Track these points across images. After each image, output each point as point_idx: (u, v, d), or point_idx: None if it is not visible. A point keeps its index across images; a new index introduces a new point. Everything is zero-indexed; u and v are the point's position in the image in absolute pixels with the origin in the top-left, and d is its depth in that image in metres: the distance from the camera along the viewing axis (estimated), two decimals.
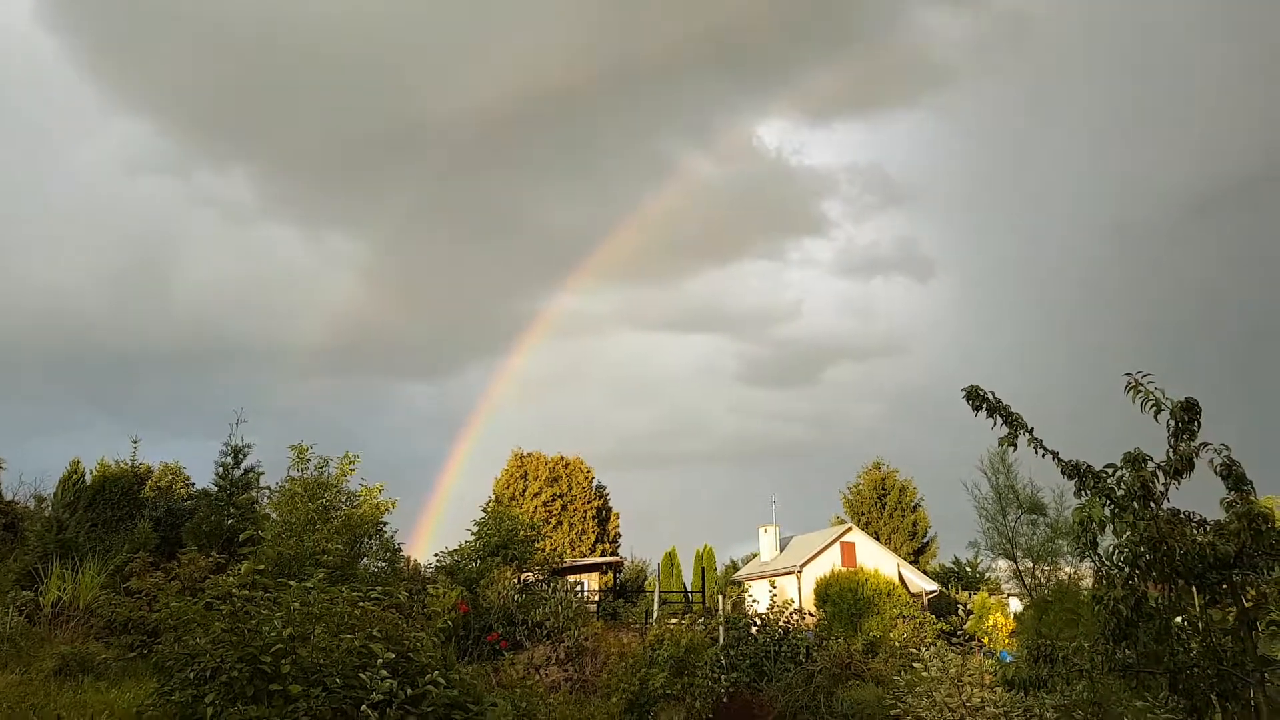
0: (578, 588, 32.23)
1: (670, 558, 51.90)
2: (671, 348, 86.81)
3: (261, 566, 12.11)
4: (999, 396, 6.80)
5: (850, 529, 47.18)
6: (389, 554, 20.45)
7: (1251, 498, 6.00)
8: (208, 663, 8.75)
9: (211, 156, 71.65)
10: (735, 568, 56.74)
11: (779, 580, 44.13)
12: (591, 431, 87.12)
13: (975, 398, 6.86)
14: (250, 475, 21.99)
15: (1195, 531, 6.12)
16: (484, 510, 25.04)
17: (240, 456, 22.01)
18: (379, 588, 11.18)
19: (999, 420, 6.81)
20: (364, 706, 8.59)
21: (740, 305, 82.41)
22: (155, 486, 31.83)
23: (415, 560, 23.44)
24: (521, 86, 59.79)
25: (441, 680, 9.34)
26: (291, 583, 10.38)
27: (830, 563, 41.95)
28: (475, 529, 23.50)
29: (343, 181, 72.74)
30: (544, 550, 29.79)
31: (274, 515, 18.92)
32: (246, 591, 9.77)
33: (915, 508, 55.64)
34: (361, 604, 10.16)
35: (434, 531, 40.85)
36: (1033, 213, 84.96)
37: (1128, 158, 78.70)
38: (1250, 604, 6.17)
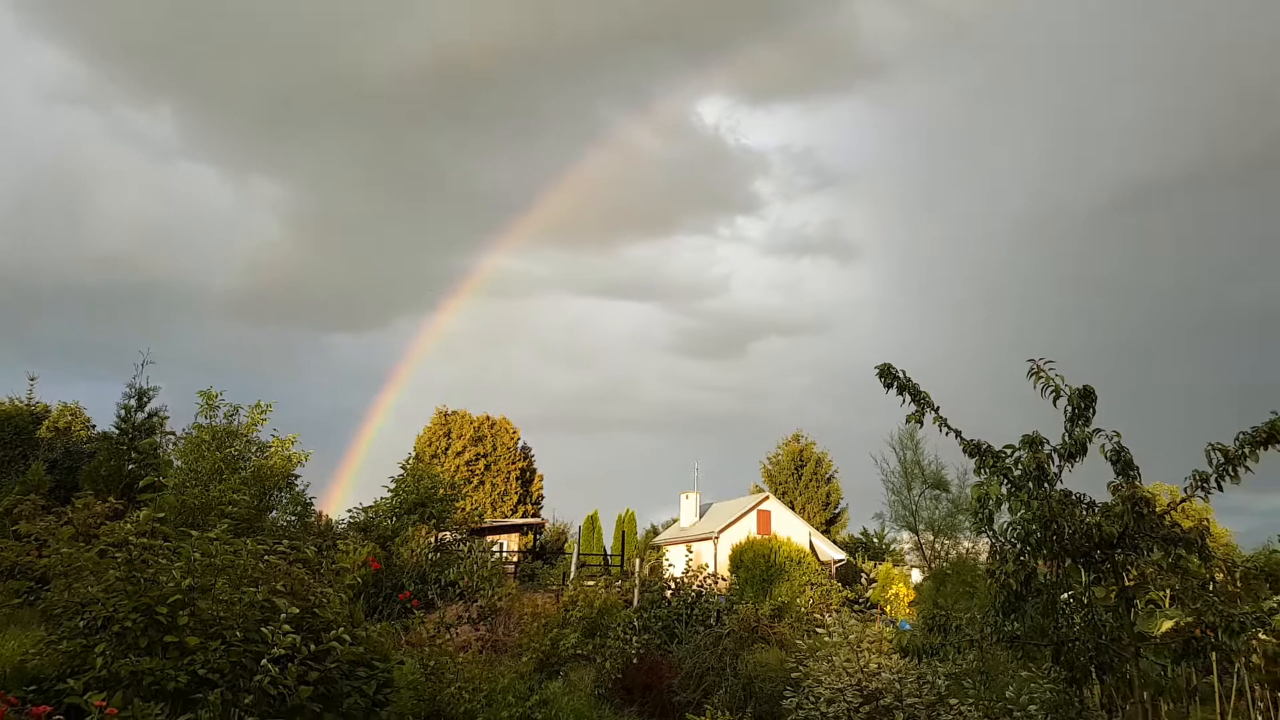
0: (496, 548, 32.19)
1: (592, 521, 52.21)
2: (604, 314, 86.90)
3: (162, 515, 11.73)
4: (909, 376, 6.96)
5: (767, 498, 48.14)
6: (300, 508, 20.04)
7: (1137, 483, 6.29)
8: (100, 612, 8.44)
9: (136, 90, 68.20)
10: (655, 533, 57.44)
11: (697, 546, 44.84)
12: (519, 393, 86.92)
13: (887, 375, 7.01)
14: (155, 420, 21.22)
15: (1084, 512, 6.40)
16: (403, 467, 24.71)
17: (145, 400, 21.20)
18: (286, 541, 10.93)
19: (908, 398, 6.99)
20: (264, 661, 8.42)
21: (673, 277, 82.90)
22: (52, 427, 30.43)
23: (327, 515, 23.02)
24: (466, 44, 58.39)
25: (347, 637, 9.20)
26: (193, 532, 10.08)
27: (746, 530, 42.78)
28: (393, 486, 23.19)
29: (274, 126, 70.09)
30: (463, 509, 29.60)
31: (179, 463, 18.32)
32: (145, 540, 9.43)
33: (830, 479, 57.09)
34: (267, 557, 9.92)
35: (352, 487, 40.22)
36: (956, 203, 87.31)
37: (1049, 156, 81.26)
38: (1131, 583, 6.49)
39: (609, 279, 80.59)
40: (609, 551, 49.84)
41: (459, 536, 24.31)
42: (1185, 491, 6.34)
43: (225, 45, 61.81)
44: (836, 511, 57.07)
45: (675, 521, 53.98)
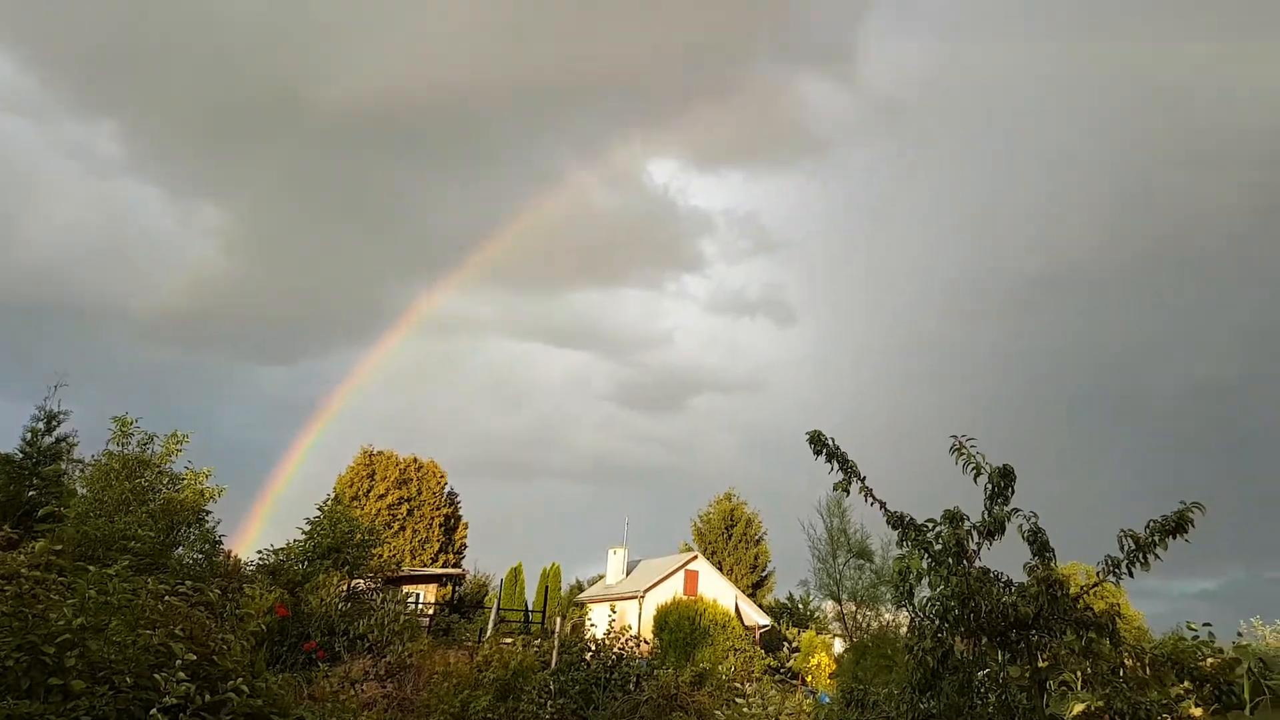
0: (412, 599, 31.27)
1: (515, 574, 51.16)
2: (544, 359, 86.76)
3: (60, 547, 11.12)
4: (838, 444, 7.02)
5: (695, 557, 47.87)
6: (208, 546, 19.20)
7: (1052, 564, 6.39)
8: None
9: (79, 105, 66.66)
10: (580, 588, 56.53)
11: (621, 604, 43.96)
12: (451, 434, 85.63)
13: (817, 443, 7.05)
14: (63, 445, 20.27)
15: (1001, 591, 6.46)
16: (320, 509, 23.94)
17: (54, 423, 20.27)
18: (190, 582, 10.44)
19: (836, 465, 7.03)
20: (154, 710, 7.95)
21: (616, 327, 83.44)
22: None
23: (237, 556, 22.09)
24: (423, 80, 58.59)
25: (245, 688, 8.76)
26: (91, 567, 9.57)
27: (673, 590, 42.36)
28: (307, 528, 22.41)
29: (218, 148, 69.08)
30: (381, 556, 28.71)
31: (84, 491, 17.47)
32: (38, 573, 8.93)
33: (759, 541, 57.04)
34: (168, 598, 9.46)
35: (266, 526, 38.78)
36: (887, 274, 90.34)
37: (976, 240, 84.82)
38: (1044, 664, 6.55)
39: (552, 324, 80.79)
40: (530, 607, 48.81)
41: (374, 585, 23.55)
42: (1099, 575, 6.46)
43: (171, 60, 60.98)
44: (764, 574, 56.95)
45: (601, 578, 53.28)
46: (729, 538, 56.46)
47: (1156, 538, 6.33)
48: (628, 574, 49.93)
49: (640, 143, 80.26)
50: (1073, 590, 6.62)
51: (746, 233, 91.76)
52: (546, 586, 50.38)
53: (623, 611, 42.68)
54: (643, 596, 43.33)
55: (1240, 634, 18.67)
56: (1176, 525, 6.35)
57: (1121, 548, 6.36)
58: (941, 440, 7.13)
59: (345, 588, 21.44)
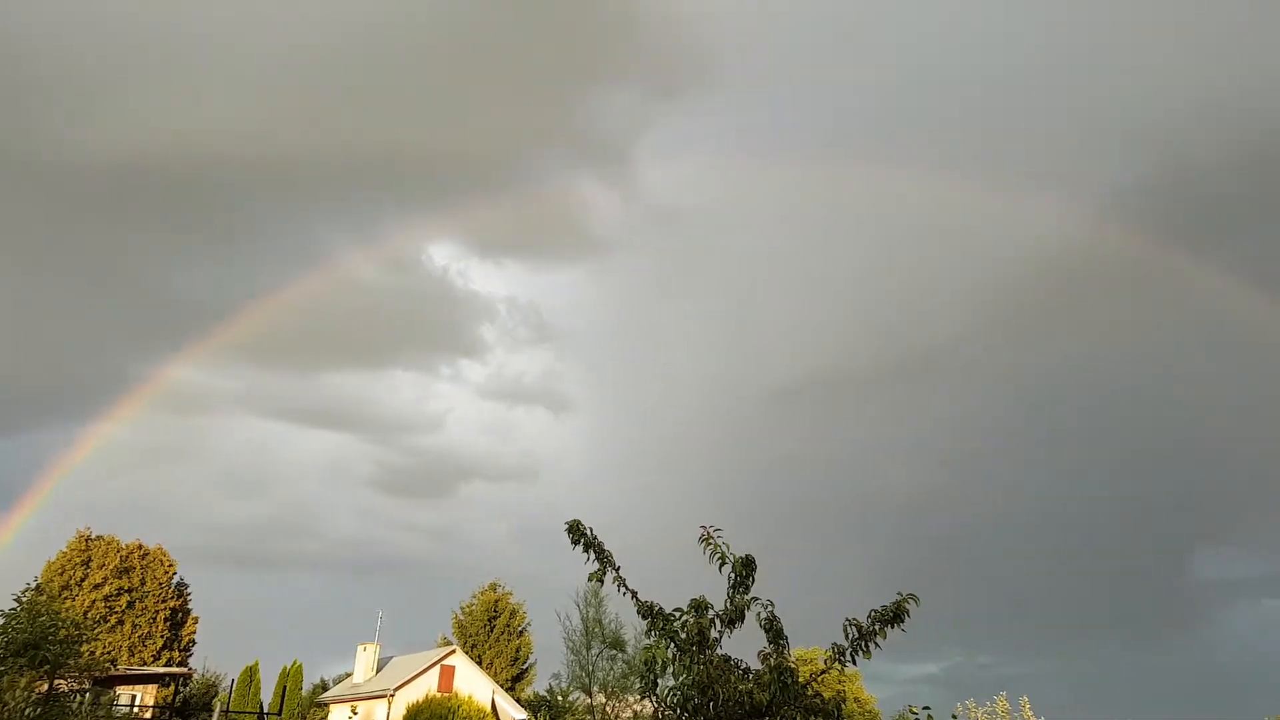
0: (126, 701, 27.63)
1: (251, 672, 46.60)
2: (297, 440, 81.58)
3: None
4: (595, 533, 7.10)
5: (453, 651, 45.94)
6: None
7: (786, 652, 6.74)
8: None
9: None
10: (325, 687, 52.38)
11: (368, 704, 41.36)
12: (182, 519, 77.97)
13: (575, 532, 7.10)
14: None
15: (739, 679, 6.71)
16: (18, 599, 20.78)
17: None
18: None
19: (592, 555, 7.09)
20: None
21: (384, 409, 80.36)
22: None
23: None
24: (180, 147, 55.02)
25: None
26: None
27: (427, 686, 40.30)
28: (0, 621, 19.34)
29: None
30: (92, 653, 25.24)
31: None
32: None
33: (522, 632, 55.75)
34: None
35: None
36: (656, 376, 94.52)
37: (731, 348, 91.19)
38: None
39: (307, 404, 76.52)
40: (266, 709, 44.58)
41: (79, 687, 20.60)
42: (825, 663, 6.88)
43: None
44: (525, 666, 55.53)
45: (349, 676, 49.73)
46: (491, 630, 54.79)
47: (877, 626, 6.88)
48: (378, 671, 46.97)
49: (420, 225, 79.62)
50: (805, 677, 7.00)
51: (527, 321, 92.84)
52: (285, 686, 46.24)
53: (369, 711, 40.13)
54: (392, 695, 40.85)
55: (955, 715, 20.39)
56: (895, 615, 6.94)
57: (846, 635, 6.84)
58: (696, 533, 7.39)
59: (43, 689, 18.57)
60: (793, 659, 6.67)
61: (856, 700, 52.64)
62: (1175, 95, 74.72)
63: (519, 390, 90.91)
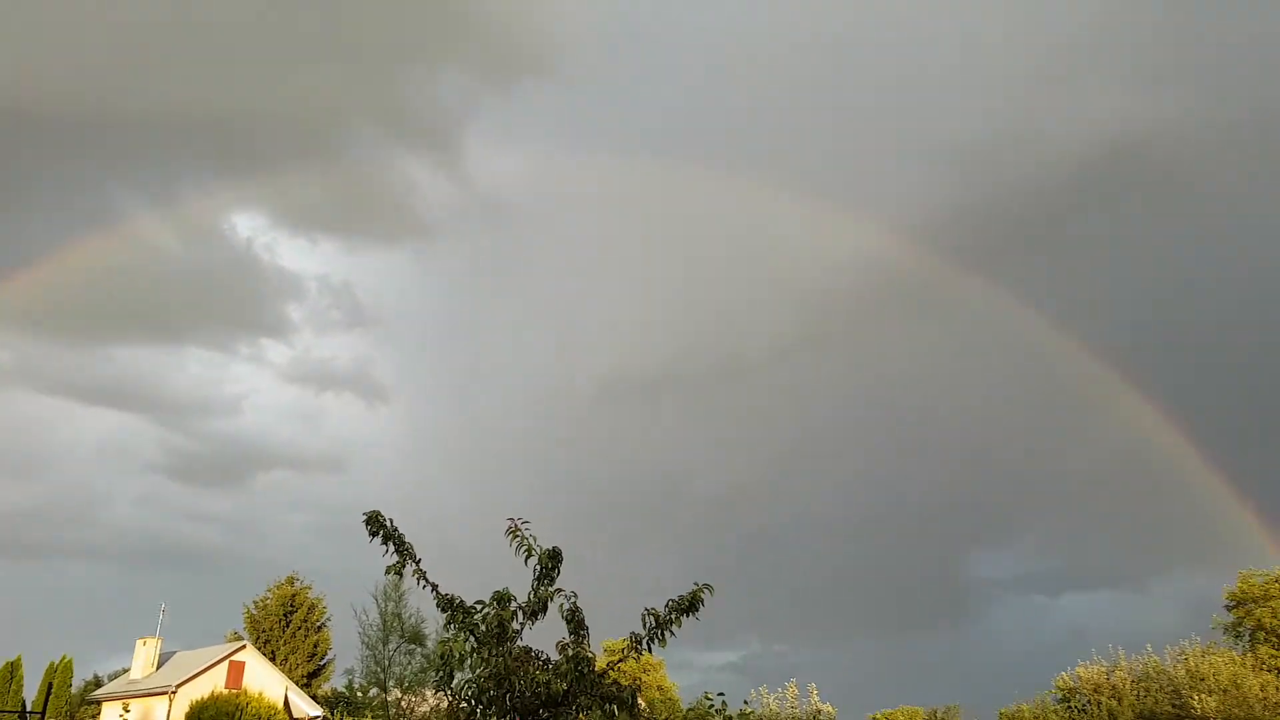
0: None
1: (12, 668, 42.26)
2: (75, 418, 74.21)
3: None
4: (396, 525, 6.92)
5: (244, 647, 43.40)
6: None
7: (585, 642, 6.85)
8: None
9: None
10: (99, 684, 48.12)
11: (146, 702, 38.39)
12: None
13: (373, 523, 6.89)
14: None
15: (538, 670, 6.75)
16: None
17: None
18: None
19: (392, 548, 6.92)
20: None
21: (175, 389, 74.47)
22: None
23: None
24: None
25: None
26: None
27: (214, 683, 37.90)
28: None
29: None
30: None
31: None
32: None
33: (321, 628, 53.41)
34: None
35: None
36: (480, 369, 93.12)
37: (559, 343, 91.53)
38: None
39: (87, 379, 69.75)
40: (29, 707, 40.55)
41: None
42: (624, 652, 7.05)
43: None
44: (323, 663, 53.26)
45: (126, 672, 45.95)
46: (287, 625, 52.12)
47: (673, 615, 7.11)
48: (158, 667, 43.65)
49: (223, 192, 74.25)
50: (603, 665, 7.14)
51: (340, 303, 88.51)
52: (51, 683, 42.13)
53: (148, 710, 37.17)
54: (174, 692, 38.12)
55: (747, 701, 21.41)
56: (690, 604, 7.20)
57: (644, 624, 7.03)
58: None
59: None
60: (591, 649, 6.78)
61: (659, 688, 54.14)
62: (992, 122, 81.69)
63: (328, 375, 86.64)
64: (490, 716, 6.49)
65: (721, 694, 13.62)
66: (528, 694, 6.44)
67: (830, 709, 47.60)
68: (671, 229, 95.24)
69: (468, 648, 6.53)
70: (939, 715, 52.65)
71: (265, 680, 40.28)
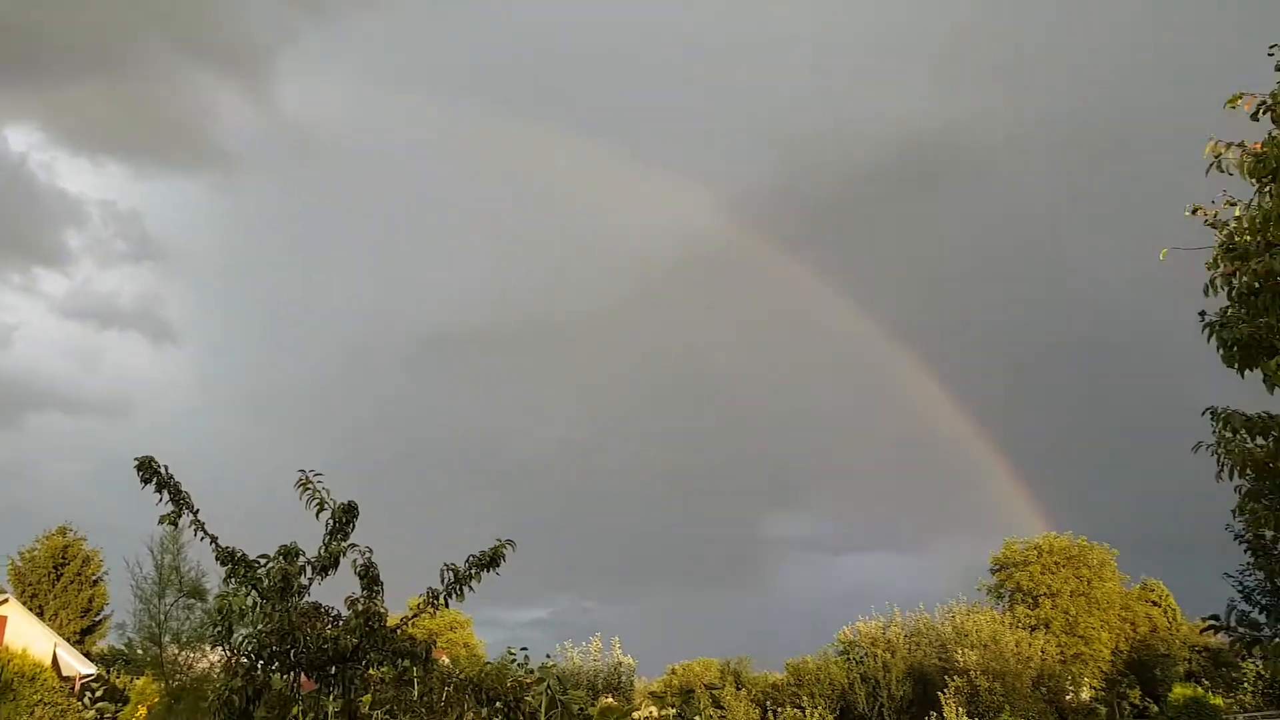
0: None
1: None
2: None
3: None
4: (171, 473, 6.48)
5: (5, 601, 39.60)
6: None
7: (379, 598, 6.71)
8: None
9: None
10: None
11: None
12: None
13: (146, 469, 6.43)
14: None
15: (326, 626, 6.56)
16: None
17: None
18: None
19: (167, 496, 6.48)
20: None
21: None
22: None
23: None
24: None
25: None
26: None
27: None
28: None
29: None
30: None
31: None
32: None
33: (97, 582, 49.53)
34: None
35: None
36: (286, 311, 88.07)
37: (387, 291, 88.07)
38: (354, 693, 6.78)
39: None
40: None
41: None
42: (419, 607, 6.96)
43: None
44: (99, 618, 49.50)
45: None
46: (58, 578, 47.99)
47: (474, 570, 7.08)
48: None
49: None
50: (396, 621, 7.03)
51: (126, 233, 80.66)
52: None
53: None
54: None
55: (549, 656, 21.79)
56: (491, 560, 7.19)
57: (442, 580, 6.96)
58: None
59: None
60: (384, 605, 6.65)
61: (465, 645, 54.14)
62: (810, 112, 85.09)
63: (110, 311, 78.86)
64: (273, 672, 6.25)
65: (525, 649, 13.85)
66: (314, 649, 6.25)
67: (631, 661, 49.34)
68: (497, 183, 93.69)
69: (249, 602, 6.24)
70: (732, 666, 55.68)
71: (30, 636, 36.95)
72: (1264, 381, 6.09)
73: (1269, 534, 7.95)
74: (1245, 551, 9.82)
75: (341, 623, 6.51)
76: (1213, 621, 8.64)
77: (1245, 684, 40.08)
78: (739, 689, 48.25)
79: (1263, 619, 9.40)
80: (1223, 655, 48.01)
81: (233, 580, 6.30)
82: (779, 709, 43.21)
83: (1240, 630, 8.87)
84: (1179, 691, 41.43)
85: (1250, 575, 10.49)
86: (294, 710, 6.73)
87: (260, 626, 6.14)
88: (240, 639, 6.21)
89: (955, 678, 42.11)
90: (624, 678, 46.93)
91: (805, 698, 45.26)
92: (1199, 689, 41.55)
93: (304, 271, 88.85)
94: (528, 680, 13.83)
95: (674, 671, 58.47)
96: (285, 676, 6.52)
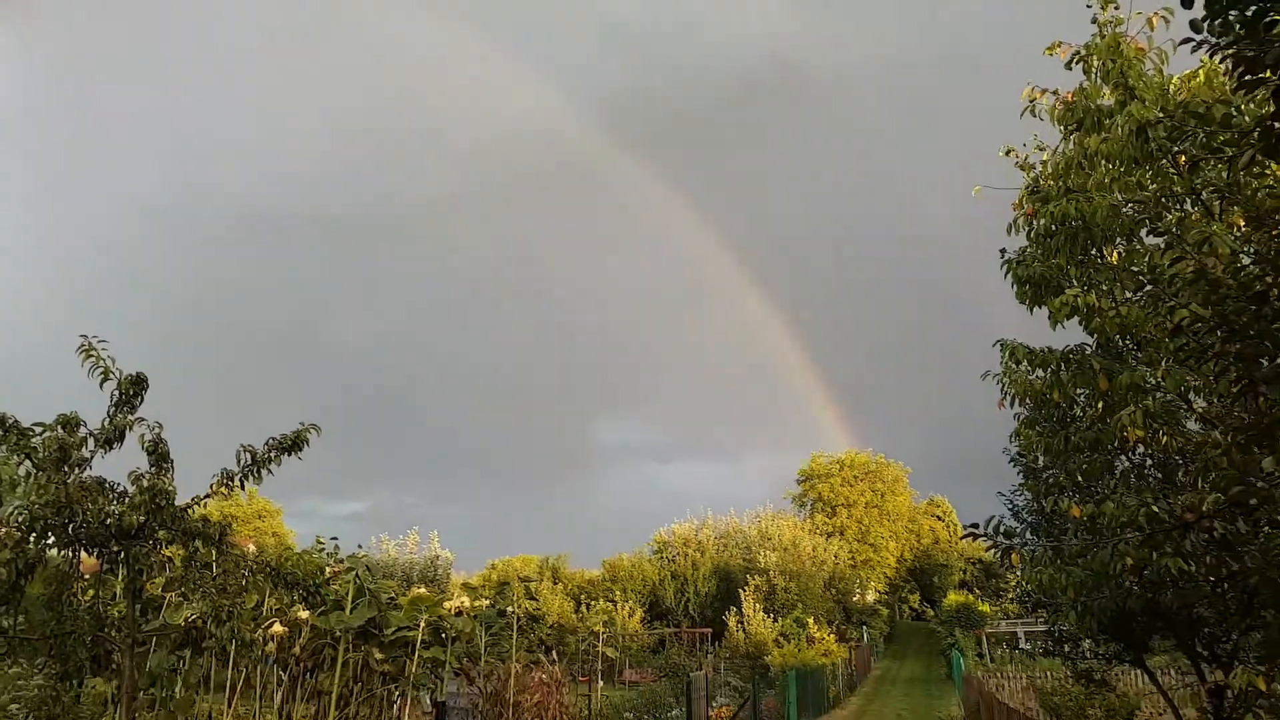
0: None
1: None
2: None
3: None
4: None
5: None
6: None
7: (167, 475, 6.36)
8: None
9: None
10: None
11: None
12: None
13: None
14: None
15: (109, 501, 6.18)
16: None
17: None
18: None
19: None
20: None
21: None
22: None
23: None
24: None
25: None
26: None
27: None
28: None
29: None
30: None
31: None
32: None
33: None
34: None
35: None
36: (81, 175, 79.95)
37: (196, 160, 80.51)
38: (141, 573, 6.47)
39: None
40: None
41: None
42: (213, 487, 6.66)
43: None
44: None
45: None
46: None
47: (272, 454, 6.81)
48: None
49: None
50: (188, 502, 6.71)
51: None
52: None
53: None
54: None
55: (360, 546, 21.63)
56: (294, 443, 6.95)
57: (239, 461, 6.68)
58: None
59: None
60: (174, 484, 6.31)
61: (275, 534, 52.81)
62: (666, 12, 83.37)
63: None
64: (50, 547, 5.85)
65: (335, 538, 13.66)
66: (94, 524, 5.88)
67: (450, 554, 49.78)
68: (337, 52, 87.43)
69: (20, 472, 5.77)
70: (550, 562, 57.34)
71: None
72: (1049, 319, 6.62)
73: (1040, 458, 8.74)
74: (1018, 473, 10.80)
75: (126, 499, 6.14)
76: (972, 529, 9.59)
77: (1009, 593, 45.10)
78: (556, 583, 49.84)
79: (1017, 526, 10.47)
80: (993, 568, 53.84)
81: (2, 448, 5.79)
82: (592, 602, 45.08)
83: (997, 538, 9.90)
84: (952, 598, 46.23)
85: (1020, 495, 11.63)
86: (75, 586, 6.37)
87: (33, 498, 5.70)
88: (10, 510, 5.74)
89: (756, 577, 45.19)
90: (440, 571, 47.33)
91: (619, 592, 47.39)
92: (970, 596, 46.51)
93: (103, 129, 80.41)
94: (335, 569, 13.69)
95: (493, 566, 59.59)
96: (63, 552, 6.13)
